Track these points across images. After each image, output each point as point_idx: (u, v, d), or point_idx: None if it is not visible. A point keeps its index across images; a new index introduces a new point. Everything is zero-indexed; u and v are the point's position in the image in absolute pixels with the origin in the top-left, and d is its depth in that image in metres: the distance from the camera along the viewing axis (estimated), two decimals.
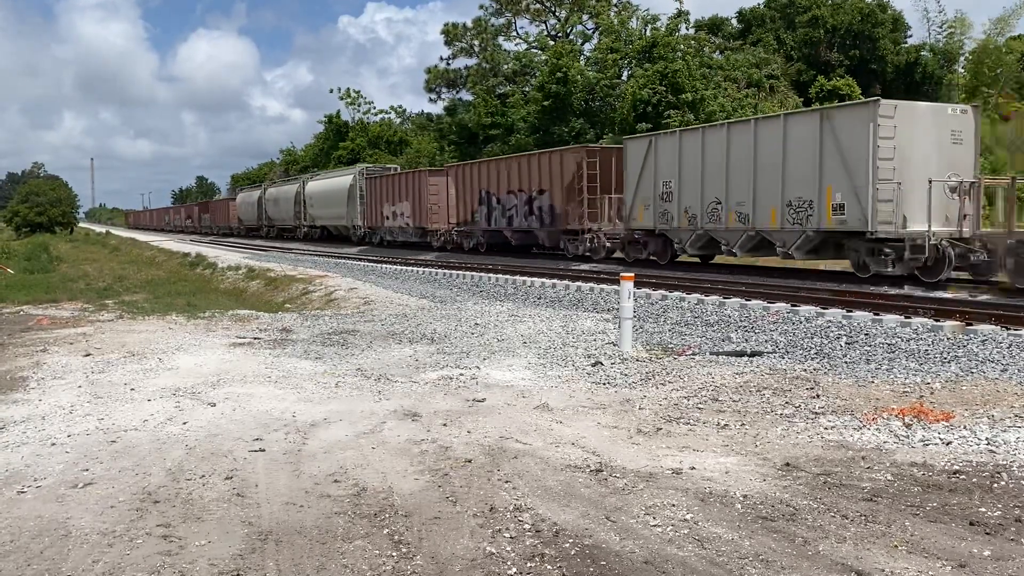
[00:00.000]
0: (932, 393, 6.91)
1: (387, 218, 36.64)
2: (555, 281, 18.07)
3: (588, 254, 23.74)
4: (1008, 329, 10.01)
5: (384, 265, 26.59)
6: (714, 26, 50.08)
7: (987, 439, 5.54)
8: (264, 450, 5.68)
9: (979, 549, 3.92)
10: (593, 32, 49.17)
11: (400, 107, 66.11)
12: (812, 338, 10.10)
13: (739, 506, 4.52)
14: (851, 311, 11.73)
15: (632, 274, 10.09)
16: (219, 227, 70.51)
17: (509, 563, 3.86)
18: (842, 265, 17.95)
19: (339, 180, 43.36)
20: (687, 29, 41.93)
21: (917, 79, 45.48)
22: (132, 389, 7.63)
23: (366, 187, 39.15)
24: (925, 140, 15.36)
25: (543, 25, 53.09)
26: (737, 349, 9.46)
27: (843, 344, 9.67)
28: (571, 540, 4.10)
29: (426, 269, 24.10)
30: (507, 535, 4.18)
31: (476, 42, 53.82)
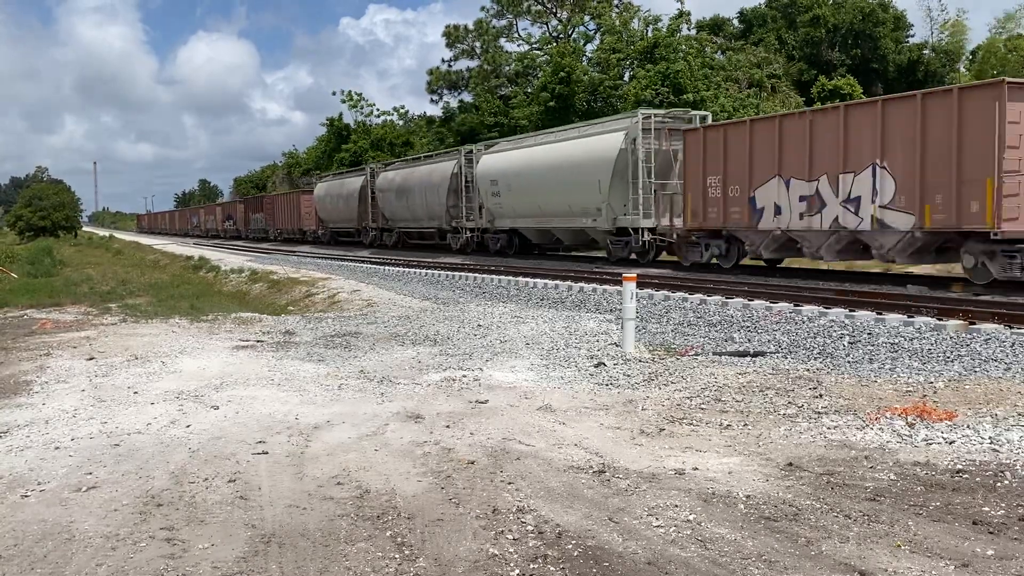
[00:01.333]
0: (935, 392, 6.90)
1: (761, 211, 17.78)
2: (558, 282, 18.06)
3: None
4: (1011, 328, 9.99)
5: (387, 267, 26.62)
6: (715, 26, 50.15)
7: (990, 438, 5.53)
8: (267, 453, 5.69)
9: (982, 548, 3.92)
10: (595, 33, 49.23)
11: (403, 108, 65.85)
12: (815, 338, 10.09)
13: (742, 506, 4.51)
14: (854, 310, 11.71)
15: (634, 274, 10.09)
16: (281, 231, 52.67)
17: (512, 565, 3.86)
18: None
19: (577, 146, 23.88)
20: (688, 29, 42.03)
21: (919, 78, 45.45)
22: (135, 392, 7.64)
23: (684, 150, 20.29)
24: None
25: (545, 26, 53.18)
26: (740, 349, 9.46)
27: (846, 344, 9.66)
28: (574, 541, 4.10)
29: (429, 271, 24.12)
30: (510, 537, 4.18)
31: (478, 44, 53.94)
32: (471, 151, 31.34)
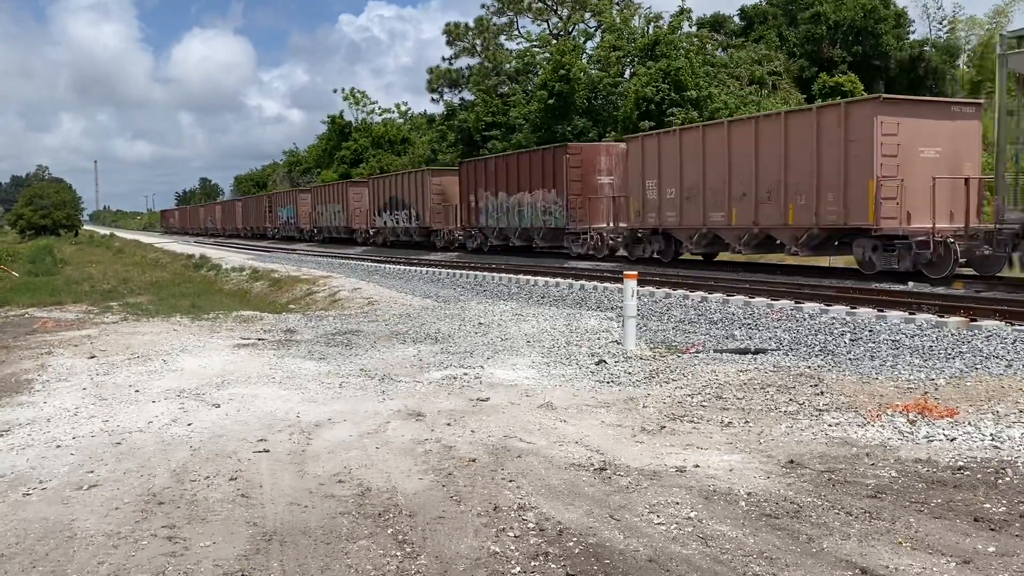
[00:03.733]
0: (936, 389, 6.89)
1: None
2: (558, 280, 18.06)
3: None
4: (1013, 325, 9.98)
5: (388, 265, 26.63)
6: (716, 23, 50.06)
7: (991, 435, 5.53)
8: (268, 451, 5.69)
9: (983, 545, 3.92)
10: (595, 30, 49.18)
11: (405, 104, 65.81)
12: (816, 335, 10.08)
13: (743, 504, 4.51)
14: (855, 308, 11.70)
15: (635, 272, 10.09)
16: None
17: (513, 562, 3.86)
18: None
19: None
20: (689, 27, 41.94)
21: (920, 74, 45.35)
22: (137, 391, 7.64)
23: None
24: None
25: (545, 24, 53.13)
26: (741, 347, 9.45)
27: (847, 341, 9.65)
28: (575, 539, 4.10)
29: (430, 269, 24.11)
30: (511, 534, 4.18)
31: (478, 41, 53.88)
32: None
